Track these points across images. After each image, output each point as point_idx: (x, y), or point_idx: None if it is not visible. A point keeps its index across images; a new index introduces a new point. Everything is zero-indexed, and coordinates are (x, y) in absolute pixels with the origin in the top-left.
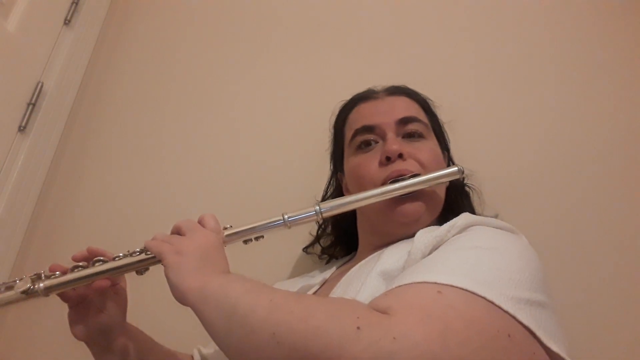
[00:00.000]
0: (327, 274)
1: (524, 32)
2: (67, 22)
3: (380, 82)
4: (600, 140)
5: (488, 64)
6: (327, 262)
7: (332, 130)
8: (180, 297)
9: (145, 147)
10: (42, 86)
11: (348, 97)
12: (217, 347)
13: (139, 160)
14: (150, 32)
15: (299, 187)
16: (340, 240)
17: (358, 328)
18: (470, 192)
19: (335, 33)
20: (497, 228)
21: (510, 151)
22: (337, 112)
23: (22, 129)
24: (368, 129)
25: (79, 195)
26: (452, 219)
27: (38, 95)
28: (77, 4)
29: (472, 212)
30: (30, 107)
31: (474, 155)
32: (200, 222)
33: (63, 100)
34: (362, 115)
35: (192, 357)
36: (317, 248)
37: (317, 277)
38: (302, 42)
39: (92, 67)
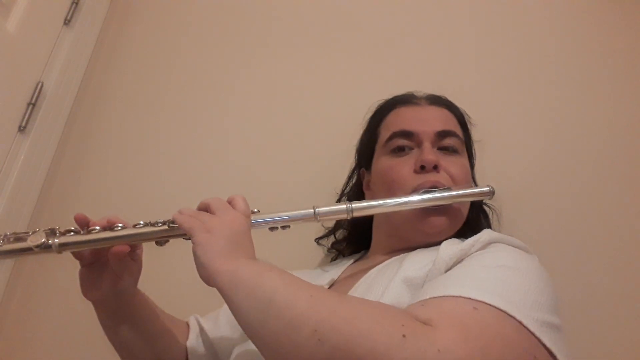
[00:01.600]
0: (336, 273)
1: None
2: (67, 22)
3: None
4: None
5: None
6: (333, 260)
7: (365, 126)
8: (207, 278)
9: (146, 147)
10: (42, 86)
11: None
12: (220, 329)
13: (139, 160)
14: (150, 32)
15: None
16: (353, 237)
17: (404, 336)
18: (490, 213)
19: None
20: (516, 247)
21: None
22: (373, 109)
23: (22, 129)
24: (406, 134)
25: (79, 195)
26: (469, 235)
27: (38, 95)
28: (77, 4)
29: None
30: (30, 107)
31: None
32: (230, 202)
33: (63, 100)
34: (402, 119)
35: (188, 323)
36: (328, 241)
37: (325, 276)
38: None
39: (92, 67)
